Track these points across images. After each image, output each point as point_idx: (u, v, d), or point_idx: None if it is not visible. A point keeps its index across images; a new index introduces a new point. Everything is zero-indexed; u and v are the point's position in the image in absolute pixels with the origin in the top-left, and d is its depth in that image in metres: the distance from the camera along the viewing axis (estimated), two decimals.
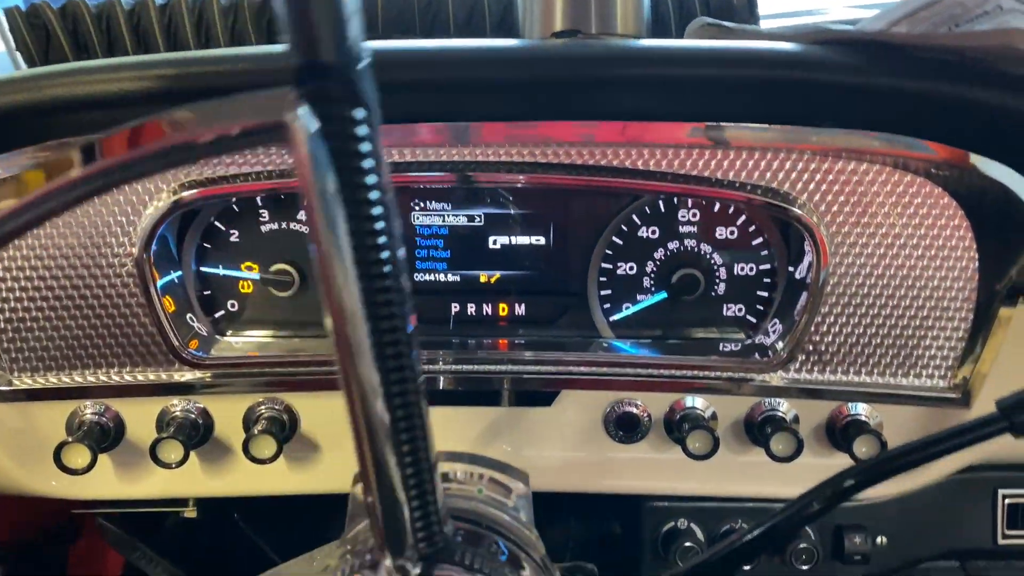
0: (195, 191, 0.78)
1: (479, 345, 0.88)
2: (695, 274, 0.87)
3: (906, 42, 0.66)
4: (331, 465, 0.89)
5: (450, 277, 0.90)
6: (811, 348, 0.83)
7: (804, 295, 0.82)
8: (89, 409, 0.85)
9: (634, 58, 0.73)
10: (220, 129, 0.32)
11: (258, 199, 0.87)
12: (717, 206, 0.86)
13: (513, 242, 0.89)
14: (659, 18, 1.13)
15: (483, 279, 0.90)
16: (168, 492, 0.91)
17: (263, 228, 0.88)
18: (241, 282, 0.89)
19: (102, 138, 0.32)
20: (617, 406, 0.87)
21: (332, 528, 0.60)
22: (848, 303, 0.81)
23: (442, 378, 0.85)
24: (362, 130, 0.32)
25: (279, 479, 0.89)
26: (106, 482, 0.89)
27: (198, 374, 0.84)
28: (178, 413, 0.85)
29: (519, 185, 0.85)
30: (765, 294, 0.89)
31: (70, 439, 0.81)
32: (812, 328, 0.82)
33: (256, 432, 0.82)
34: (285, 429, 0.85)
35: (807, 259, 0.82)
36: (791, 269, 0.86)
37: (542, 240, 0.89)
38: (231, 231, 0.88)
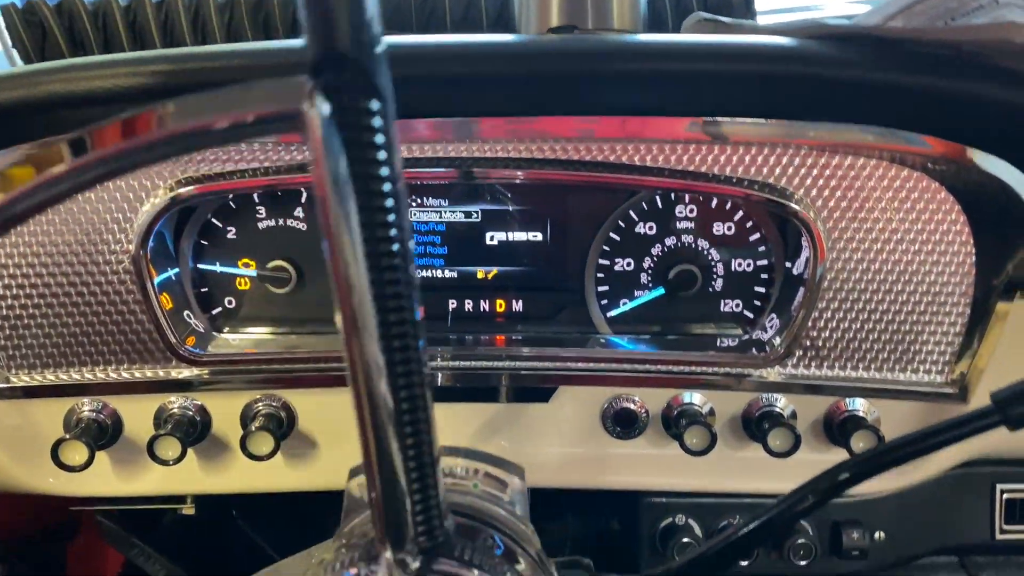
0: (192, 187, 0.78)
1: (476, 341, 0.88)
2: (692, 270, 0.87)
3: (902, 36, 0.66)
4: (328, 462, 0.89)
5: (447, 273, 0.90)
6: (808, 344, 0.83)
7: (801, 291, 0.82)
8: (87, 406, 0.85)
9: (630, 53, 0.72)
10: (236, 116, 0.32)
11: (255, 196, 0.86)
12: (714, 202, 0.86)
13: (510, 238, 0.89)
14: (656, 14, 1.13)
15: (480, 275, 0.90)
16: (166, 489, 0.91)
17: (260, 225, 0.88)
18: (238, 279, 0.89)
19: (117, 121, 0.32)
20: (615, 402, 0.87)
21: (330, 525, 0.60)
22: (845, 298, 0.82)
23: (440, 374, 0.85)
24: (377, 121, 0.32)
25: (276, 476, 0.89)
26: (104, 479, 0.89)
27: (195, 371, 0.84)
28: (176, 410, 0.85)
29: (517, 181, 0.85)
30: (762, 290, 0.89)
31: (68, 436, 0.81)
32: (809, 324, 0.82)
33: (253, 429, 0.82)
34: (282, 426, 0.85)
35: (804, 255, 0.82)
36: (788, 265, 0.86)
37: (539, 236, 0.89)
38: (228, 228, 0.88)
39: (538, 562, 0.49)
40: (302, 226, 0.88)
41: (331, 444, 0.89)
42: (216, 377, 0.85)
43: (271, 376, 0.85)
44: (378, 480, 0.38)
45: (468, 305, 0.91)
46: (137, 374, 0.84)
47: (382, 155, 0.33)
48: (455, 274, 0.90)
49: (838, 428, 0.86)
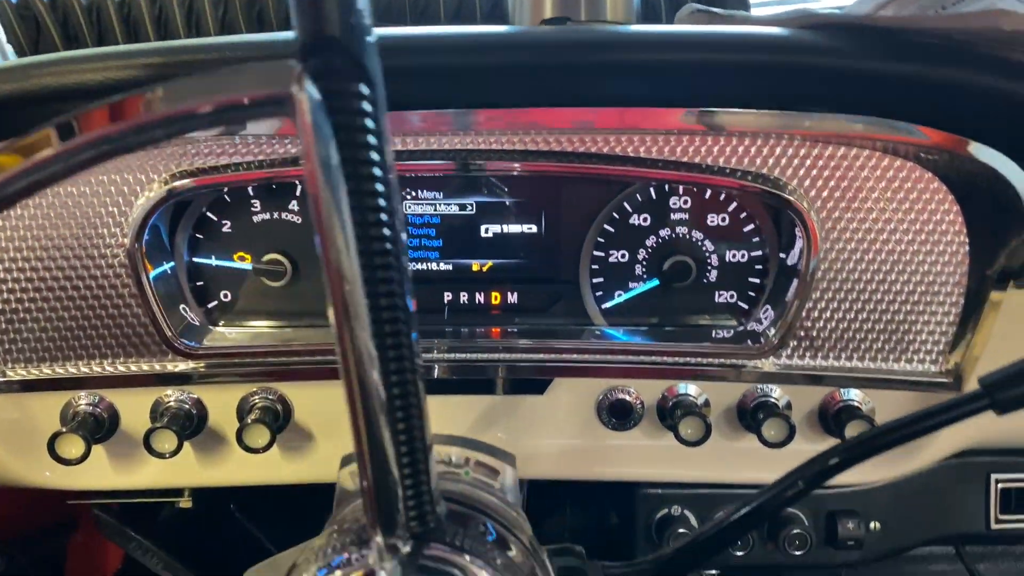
0: (187, 180, 0.78)
1: (472, 334, 0.89)
2: (687, 261, 0.87)
3: (893, 25, 0.66)
4: (325, 454, 0.89)
5: (442, 266, 0.90)
6: (803, 334, 0.83)
7: (795, 281, 0.82)
8: (83, 400, 0.86)
9: (624, 43, 0.72)
10: (224, 99, 0.32)
11: (250, 189, 0.87)
12: (708, 193, 0.86)
13: (505, 231, 0.89)
14: (649, 6, 1.13)
15: (475, 268, 0.90)
16: (162, 482, 0.91)
17: (255, 218, 0.88)
18: (234, 272, 0.90)
19: (107, 106, 0.32)
20: (610, 393, 0.87)
21: (328, 519, 0.60)
22: (839, 289, 0.82)
23: (436, 367, 0.85)
24: (366, 105, 0.32)
25: (273, 468, 0.89)
26: (100, 473, 0.89)
27: (191, 364, 0.84)
28: (172, 403, 0.86)
29: (511, 173, 0.85)
30: (757, 281, 0.89)
31: (64, 430, 0.82)
32: (803, 314, 0.82)
33: (249, 422, 0.83)
34: (279, 419, 0.86)
35: (798, 246, 0.82)
36: (782, 256, 0.86)
37: (534, 228, 0.89)
38: (223, 221, 0.88)
39: (529, 548, 0.49)
40: (297, 219, 0.88)
41: (327, 436, 0.89)
42: (212, 370, 0.85)
43: (267, 369, 0.85)
44: (369, 467, 0.38)
45: (463, 297, 0.91)
46: (133, 368, 0.85)
47: (372, 139, 0.33)
48: (450, 267, 0.90)
49: (833, 418, 0.86)
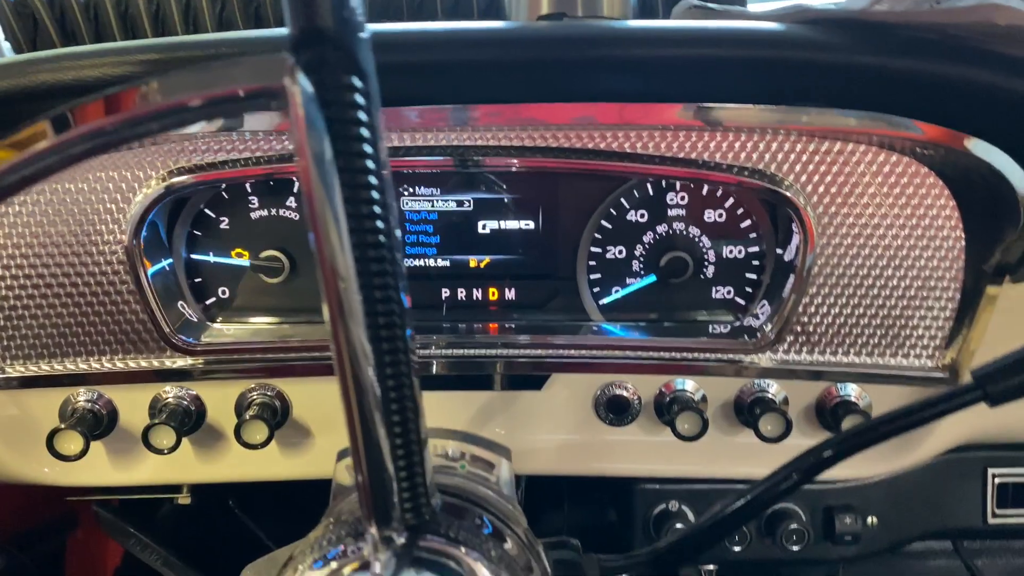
0: (185, 177, 0.78)
1: (470, 330, 0.89)
2: (684, 257, 0.87)
3: (888, 20, 0.66)
4: (323, 450, 0.90)
5: (440, 262, 0.90)
6: (799, 329, 0.84)
7: (792, 277, 0.82)
8: (82, 396, 0.86)
9: (620, 39, 0.72)
10: (216, 92, 0.32)
11: (248, 186, 0.87)
12: (705, 189, 0.87)
13: (502, 227, 0.89)
14: (646, 1, 1.13)
15: (473, 264, 0.91)
16: (161, 478, 0.91)
17: (253, 215, 0.88)
18: (232, 269, 0.90)
19: (99, 100, 0.32)
20: (607, 389, 0.87)
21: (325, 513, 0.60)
22: (836, 284, 0.82)
23: (434, 363, 0.85)
24: (359, 98, 0.32)
25: (271, 465, 0.90)
26: (99, 469, 0.89)
27: (190, 361, 0.85)
28: (171, 400, 0.86)
29: (509, 169, 0.85)
30: (754, 276, 0.89)
31: (63, 426, 0.82)
32: (800, 309, 0.83)
33: (248, 418, 0.83)
34: (277, 415, 0.86)
35: (795, 241, 0.82)
36: (779, 251, 0.86)
37: (531, 224, 0.89)
38: (221, 218, 0.88)
39: (525, 541, 0.49)
40: (295, 216, 0.88)
41: (325, 432, 0.89)
42: (210, 366, 0.85)
43: (265, 365, 0.86)
44: (364, 461, 0.38)
45: (461, 294, 0.92)
46: (132, 364, 0.85)
47: (365, 132, 0.33)
48: (448, 263, 0.90)
49: (830, 413, 0.86)
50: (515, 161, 0.80)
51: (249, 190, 0.87)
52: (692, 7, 0.88)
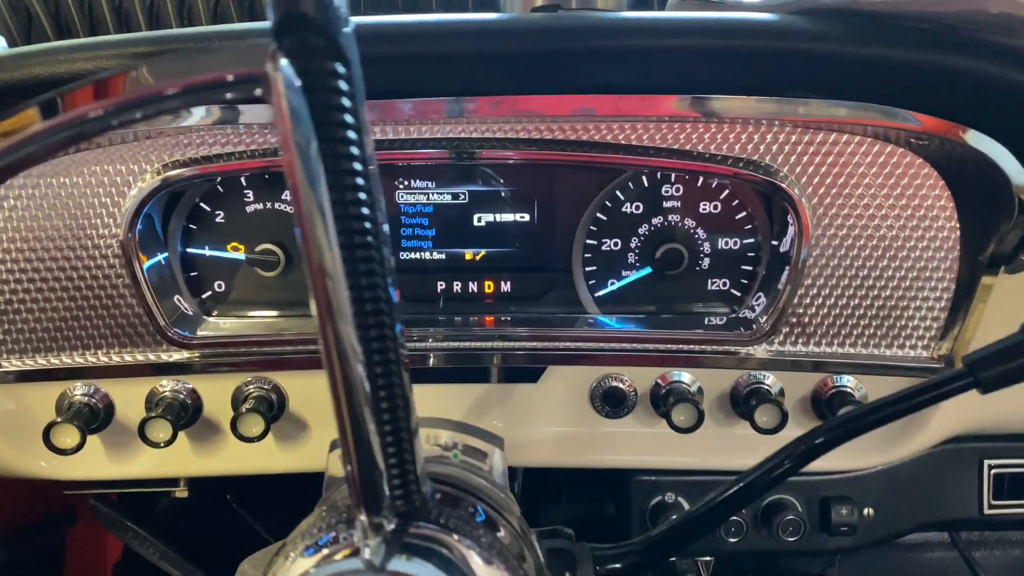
0: (180, 170, 0.78)
1: (466, 322, 0.89)
2: (679, 249, 0.87)
3: (882, 10, 0.66)
4: (319, 443, 0.90)
5: (436, 255, 0.90)
6: (795, 320, 0.84)
7: (787, 268, 0.82)
8: (78, 390, 0.86)
9: (614, 30, 0.72)
10: (196, 79, 0.32)
11: (243, 179, 0.87)
12: (701, 181, 0.86)
13: (498, 219, 0.89)
14: None
15: (468, 256, 0.91)
16: (157, 472, 0.92)
17: (248, 209, 0.88)
18: (227, 263, 0.90)
19: (77, 90, 0.32)
20: (603, 381, 0.87)
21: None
22: (831, 275, 0.82)
23: (431, 356, 0.85)
24: (342, 83, 0.32)
25: (267, 457, 0.90)
26: (96, 462, 0.90)
27: (186, 354, 0.85)
28: (167, 393, 0.86)
29: (505, 162, 0.85)
30: (749, 268, 0.89)
31: (59, 420, 0.82)
32: (795, 301, 0.83)
33: (244, 411, 0.83)
34: (273, 408, 0.86)
35: (790, 233, 0.82)
36: (775, 243, 0.86)
37: (527, 217, 0.89)
38: (216, 212, 0.88)
39: (518, 530, 0.49)
40: (290, 209, 0.88)
41: (321, 425, 0.89)
42: (206, 360, 0.85)
43: (261, 359, 0.86)
44: (352, 450, 0.38)
45: (457, 286, 0.92)
46: (128, 358, 0.85)
47: (349, 118, 0.33)
48: (443, 256, 0.90)
49: (826, 404, 0.86)
50: (511, 153, 0.80)
51: (244, 184, 0.87)
52: None
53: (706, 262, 0.89)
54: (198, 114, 0.74)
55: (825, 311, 0.83)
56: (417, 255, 0.90)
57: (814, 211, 0.79)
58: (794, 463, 0.48)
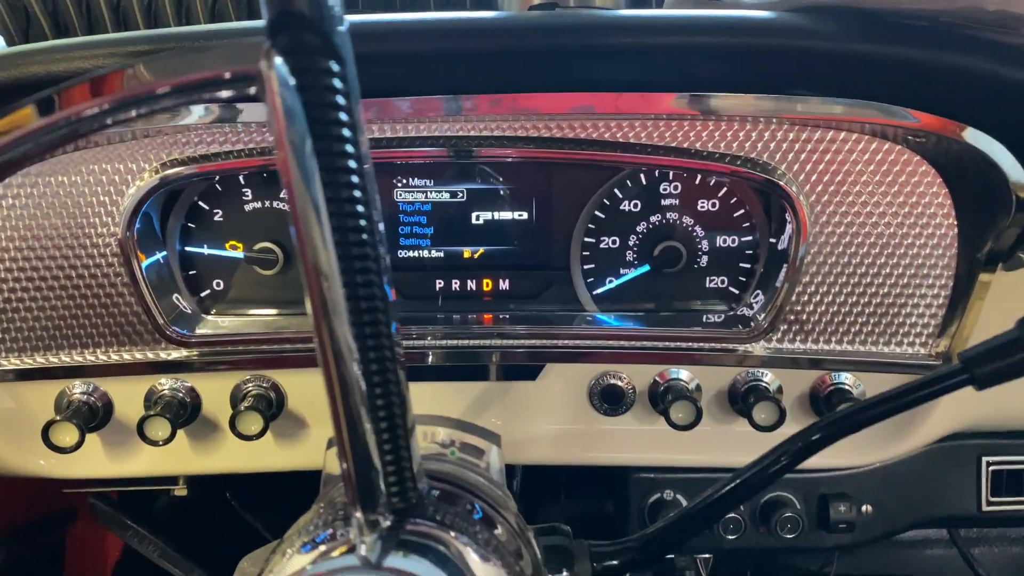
0: (178, 169, 0.79)
1: (464, 320, 0.89)
2: (677, 247, 0.87)
3: (879, 8, 0.66)
4: (318, 441, 0.90)
5: (434, 253, 0.90)
6: (793, 318, 0.84)
7: (785, 266, 0.82)
8: (77, 388, 0.86)
9: (612, 27, 0.72)
10: (189, 78, 0.32)
11: (241, 178, 0.87)
12: (699, 179, 0.87)
13: (496, 217, 0.89)
14: None
15: (467, 255, 0.91)
16: (156, 470, 0.92)
17: (246, 207, 0.88)
18: (226, 261, 0.90)
19: (69, 89, 0.33)
20: (602, 379, 0.87)
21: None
22: (829, 273, 0.82)
23: (430, 353, 0.86)
24: (336, 81, 0.32)
25: (266, 455, 0.90)
26: (95, 461, 0.90)
27: (184, 353, 0.85)
28: (165, 391, 0.86)
29: (504, 160, 0.85)
30: (747, 266, 0.89)
31: (58, 418, 0.82)
32: (793, 298, 0.83)
33: (243, 409, 0.83)
34: (272, 406, 0.86)
35: (788, 230, 0.82)
36: (772, 240, 0.86)
37: (525, 215, 0.89)
38: (215, 211, 0.88)
39: (515, 527, 0.50)
40: (288, 208, 0.88)
41: (320, 423, 0.90)
42: (205, 358, 0.85)
43: (260, 357, 0.86)
44: (348, 448, 0.38)
45: (455, 284, 0.92)
46: (127, 356, 0.85)
47: (344, 116, 0.33)
48: (442, 254, 0.91)
49: (824, 402, 0.86)
50: (509, 151, 0.80)
51: (243, 182, 0.87)
52: None
53: (704, 260, 0.89)
54: (196, 113, 0.74)
55: (823, 308, 0.83)
56: (416, 253, 0.90)
57: (812, 209, 0.79)
58: (791, 459, 0.48)
